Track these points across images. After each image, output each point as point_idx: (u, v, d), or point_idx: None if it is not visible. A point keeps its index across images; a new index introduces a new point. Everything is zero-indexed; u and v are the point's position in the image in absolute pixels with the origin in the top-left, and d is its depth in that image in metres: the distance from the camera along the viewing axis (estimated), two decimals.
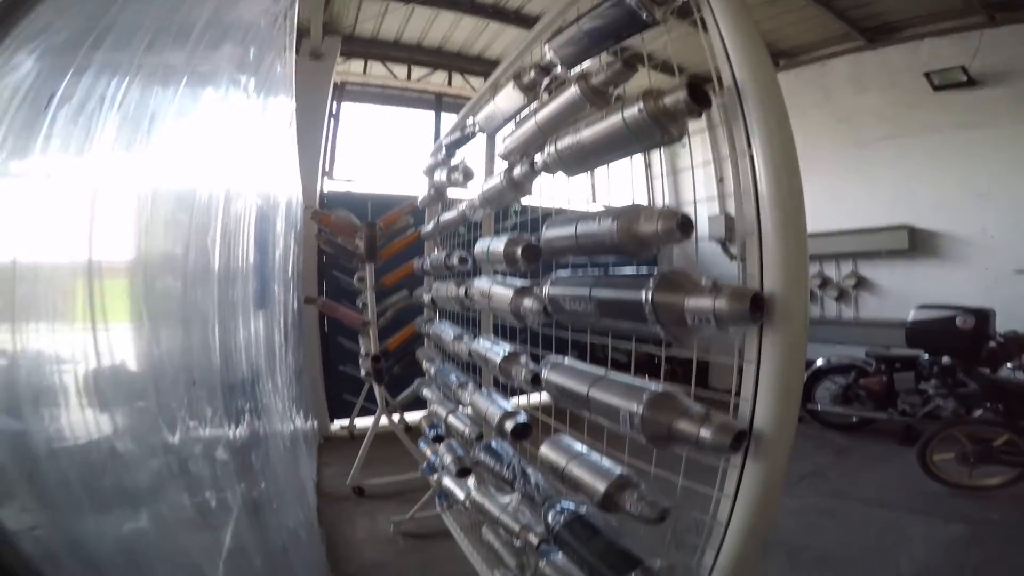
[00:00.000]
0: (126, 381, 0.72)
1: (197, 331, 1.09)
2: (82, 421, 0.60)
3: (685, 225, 0.83)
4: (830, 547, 2.53)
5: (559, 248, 1.07)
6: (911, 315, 3.59)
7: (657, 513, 0.89)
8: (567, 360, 1.10)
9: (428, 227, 2.41)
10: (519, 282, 1.33)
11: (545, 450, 1.10)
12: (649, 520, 0.90)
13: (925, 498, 2.95)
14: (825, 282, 4.73)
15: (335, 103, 4.64)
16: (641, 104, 0.82)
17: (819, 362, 4.13)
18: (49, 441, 0.52)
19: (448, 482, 1.96)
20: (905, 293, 4.09)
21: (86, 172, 0.58)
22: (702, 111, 0.81)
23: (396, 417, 3.47)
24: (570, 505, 1.15)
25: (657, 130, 0.84)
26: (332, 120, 4.58)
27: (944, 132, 4.03)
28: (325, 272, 4.21)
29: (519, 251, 1.26)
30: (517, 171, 1.33)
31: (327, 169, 4.57)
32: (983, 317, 3.31)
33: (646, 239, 0.87)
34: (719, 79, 0.84)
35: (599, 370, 0.97)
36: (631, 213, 0.89)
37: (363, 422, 4.29)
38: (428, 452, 2.33)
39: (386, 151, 5.14)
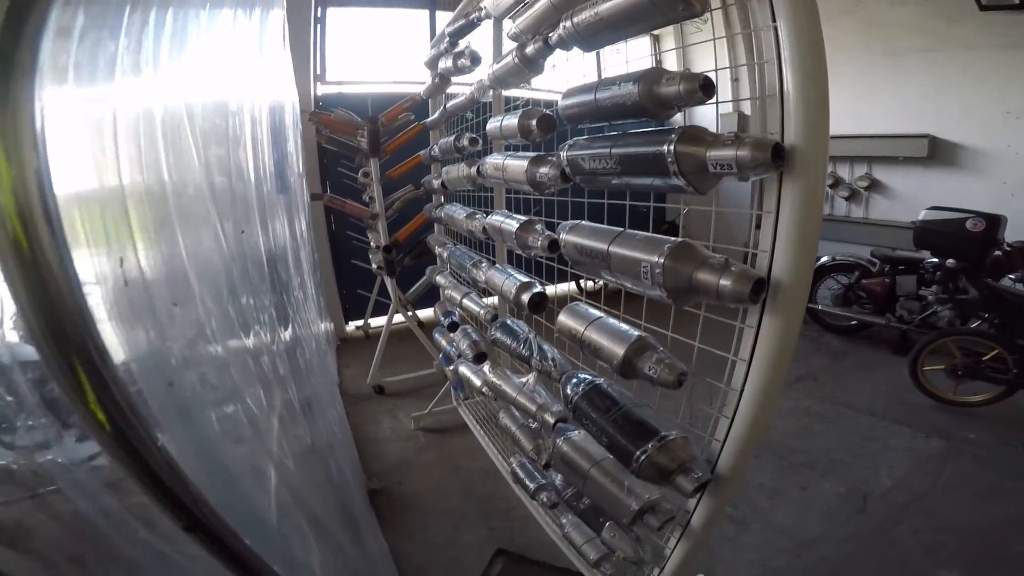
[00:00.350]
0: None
1: (244, 228, 1.13)
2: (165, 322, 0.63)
3: (707, 86, 0.82)
4: (818, 451, 2.68)
5: (577, 115, 1.04)
6: (921, 215, 3.54)
7: (675, 376, 0.93)
8: (585, 222, 1.11)
9: (434, 116, 2.38)
10: (533, 153, 1.31)
11: (563, 317, 1.13)
12: (667, 384, 0.94)
13: (911, 410, 3.06)
14: (837, 182, 4.64)
15: (319, 8, 4.38)
16: None
17: (823, 259, 4.15)
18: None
19: (464, 369, 2.03)
20: (918, 198, 4.03)
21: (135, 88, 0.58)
22: None
23: (410, 312, 3.58)
24: (588, 376, 1.18)
25: (680, 3, 0.81)
26: (318, 25, 4.37)
27: (982, 50, 3.82)
28: (327, 171, 4.20)
29: (534, 122, 1.25)
30: (530, 48, 1.29)
31: (318, 73, 4.43)
32: (994, 222, 3.26)
33: (668, 100, 0.85)
34: None
35: (617, 229, 0.98)
36: (653, 75, 0.87)
37: (377, 322, 4.44)
38: (443, 342, 2.41)
39: (380, 51, 4.90)
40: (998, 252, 3.27)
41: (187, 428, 0.53)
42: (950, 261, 3.41)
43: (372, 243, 3.45)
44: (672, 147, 0.80)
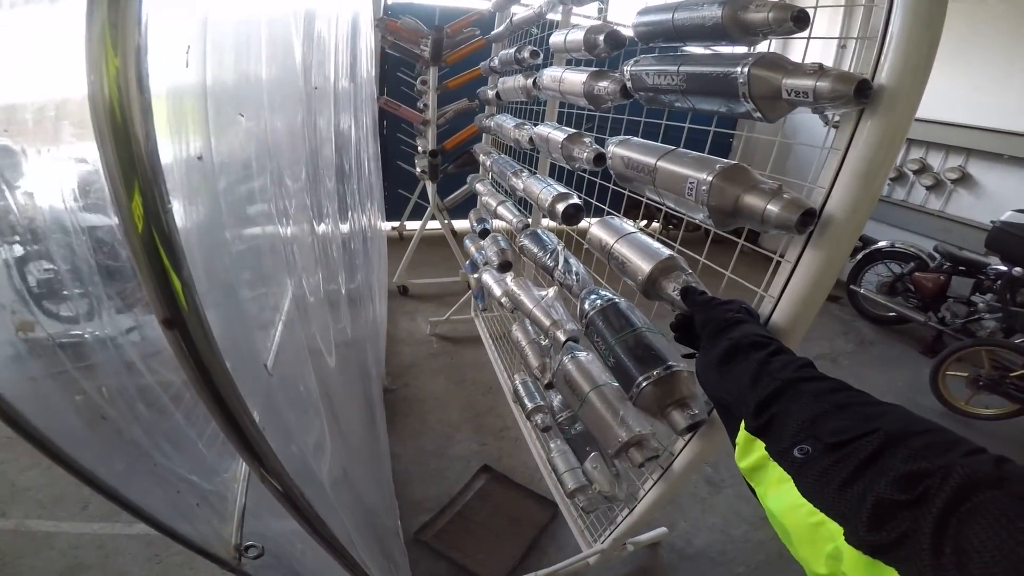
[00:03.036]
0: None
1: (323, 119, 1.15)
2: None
3: (800, 18, 0.75)
4: None
5: (649, 32, 0.97)
6: (1005, 215, 3.29)
7: None
8: (635, 138, 1.07)
9: (499, 29, 2.32)
10: (593, 68, 1.26)
11: (595, 229, 1.12)
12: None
13: (917, 411, 2.92)
14: (924, 168, 4.30)
15: None
16: None
17: (882, 243, 3.95)
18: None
19: (488, 277, 2.06)
20: (1008, 200, 3.69)
21: None
22: None
23: (445, 220, 3.65)
24: (608, 294, 1.17)
25: None
26: None
27: None
28: (387, 75, 4.17)
29: (602, 37, 1.18)
30: None
31: None
32: None
33: (754, 26, 0.79)
34: None
35: (669, 147, 0.94)
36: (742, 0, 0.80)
37: (413, 225, 4.52)
38: (472, 249, 2.44)
39: None
40: None
41: (215, 257, 0.56)
42: (1017, 269, 3.19)
43: (419, 148, 3.47)
44: (747, 69, 0.75)
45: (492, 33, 2.46)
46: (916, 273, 3.72)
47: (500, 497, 1.99)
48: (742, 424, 0.60)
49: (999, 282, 3.32)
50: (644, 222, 4.32)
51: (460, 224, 4.17)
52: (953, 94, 3.96)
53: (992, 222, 3.36)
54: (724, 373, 0.68)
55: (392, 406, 2.47)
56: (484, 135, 2.64)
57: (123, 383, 0.49)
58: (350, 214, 1.78)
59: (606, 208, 1.41)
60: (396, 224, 4.70)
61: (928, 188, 4.34)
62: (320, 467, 0.83)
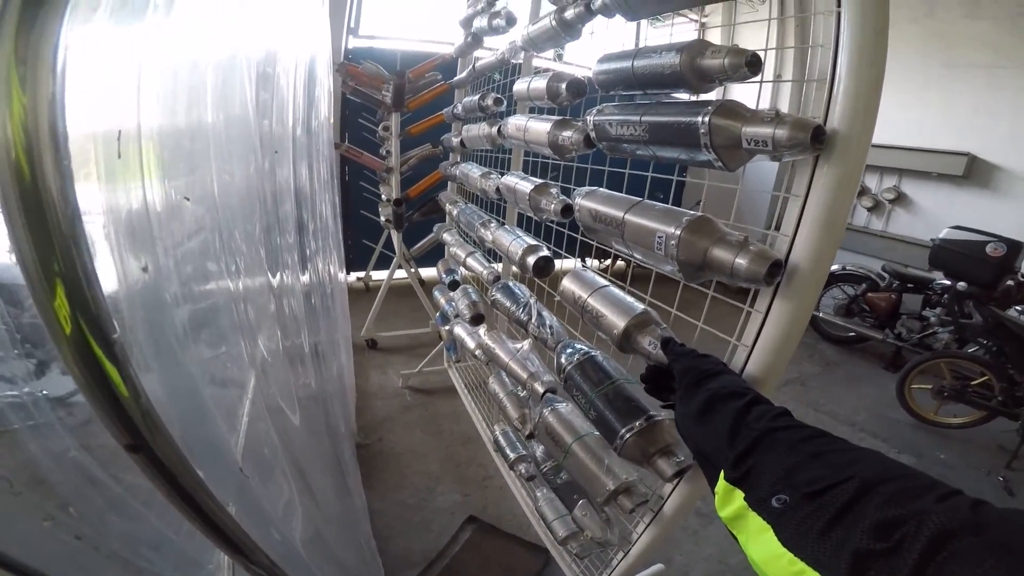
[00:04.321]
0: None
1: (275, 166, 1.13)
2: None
3: (754, 63, 0.77)
4: None
5: (610, 80, 1.00)
6: (943, 233, 3.50)
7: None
8: (602, 189, 1.07)
9: (462, 75, 2.34)
10: (557, 117, 1.27)
11: (567, 282, 1.11)
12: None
13: (890, 425, 3.12)
14: (862, 191, 4.58)
15: None
16: None
17: (834, 267, 4.12)
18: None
19: (460, 330, 2.02)
20: (943, 217, 3.98)
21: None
22: None
23: (412, 268, 3.60)
24: (584, 347, 1.17)
25: None
26: None
27: None
28: (348, 122, 4.18)
29: (564, 85, 1.20)
30: (570, 12, 1.24)
31: (352, 26, 4.40)
32: (1015, 249, 3.22)
33: (711, 72, 0.81)
34: None
35: (636, 198, 0.95)
36: (698, 45, 0.83)
37: (378, 275, 4.48)
38: (442, 301, 2.40)
39: (415, 9, 4.82)
40: (1011, 281, 3.25)
41: (167, 359, 0.51)
42: (961, 284, 3.38)
43: (383, 196, 3.44)
44: (707, 118, 0.76)
45: (455, 79, 2.48)
46: (869, 293, 3.90)
47: (489, 547, 1.92)
48: (721, 474, 0.61)
49: (945, 296, 3.50)
50: (609, 261, 4.40)
51: (427, 272, 4.14)
52: (881, 115, 4.25)
53: (932, 240, 3.57)
54: (703, 424, 0.69)
55: (367, 461, 2.38)
56: (449, 182, 2.64)
57: (88, 495, 0.44)
58: (309, 266, 1.73)
59: (575, 258, 1.41)
60: (361, 275, 4.62)
61: (869, 209, 4.62)
62: (293, 532, 0.77)
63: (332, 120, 3.35)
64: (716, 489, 0.62)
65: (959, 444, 2.98)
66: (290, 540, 0.71)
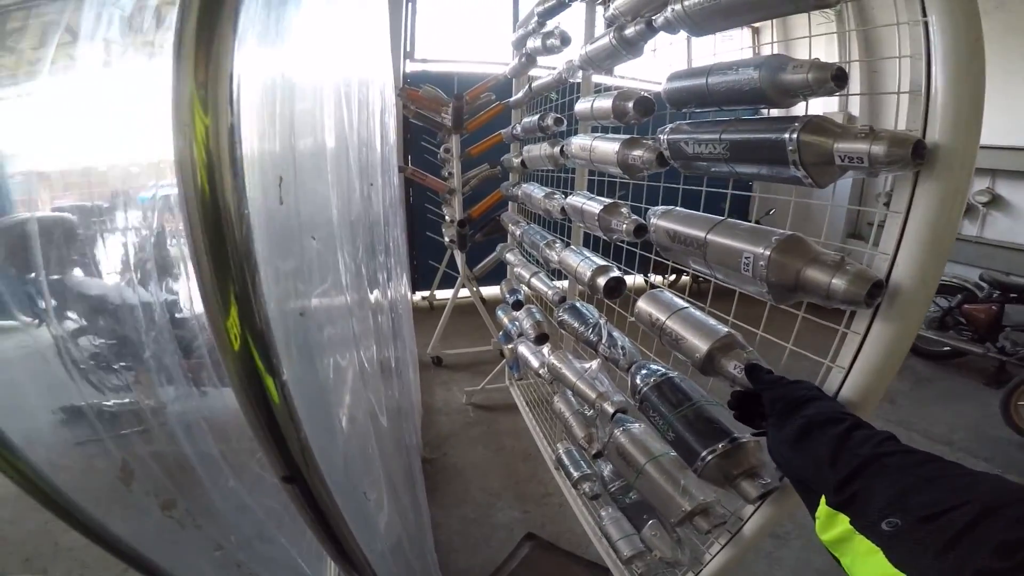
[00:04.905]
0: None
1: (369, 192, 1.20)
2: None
3: (839, 77, 0.75)
4: None
5: (682, 98, 0.99)
6: None
7: None
8: (679, 208, 1.06)
9: (518, 95, 2.38)
10: (625, 135, 1.27)
11: (644, 304, 1.09)
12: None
13: (994, 444, 2.85)
14: None
15: None
16: None
17: None
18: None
19: (524, 349, 2.03)
20: None
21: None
22: None
23: (475, 288, 3.67)
24: (660, 368, 1.14)
25: None
26: (409, 3, 4.50)
27: None
28: (411, 145, 4.36)
29: (631, 104, 1.20)
30: (631, 30, 1.24)
31: (408, 50, 4.59)
32: None
33: (793, 87, 0.79)
34: None
35: (717, 217, 0.92)
36: (778, 61, 0.81)
37: (442, 294, 4.60)
38: (505, 320, 2.42)
39: (467, 30, 4.98)
40: None
41: (307, 366, 0.54)
42: None
43: (447, 217, 3.54)
44: (795, 135, 0.74)
45: (511, 99, 2.53)
46: (965, 305, 3.56)
47: (547, 565, 1.91)
48: (823, 499, 0.59)
49: None
50: (673, 276, 4.29)
51: (488, 291, 4.21)
52: None
53: None
54: (800, 450, 0.67)
55: (432, 476, 2.43)
56: (510, 202, 2.68)
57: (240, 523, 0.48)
58: (391, 285, 1.81)
59: (647, 277, 1.39)
60: (426, 294, 4.76)
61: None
62: (385, 540, 0.80)
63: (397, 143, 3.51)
64: (817, 514, 0.60)
65: None
66: (384, 549, 0.74)
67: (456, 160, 3.28)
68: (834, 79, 0.75)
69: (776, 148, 0.76)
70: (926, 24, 0.70)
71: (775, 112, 0.86)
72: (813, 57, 0.80)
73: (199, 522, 0.44)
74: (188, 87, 0.28)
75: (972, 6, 0.69)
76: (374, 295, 1.18)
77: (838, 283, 0.70)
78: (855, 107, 4.50)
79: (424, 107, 3.28)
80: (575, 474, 1.73)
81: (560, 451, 1.86)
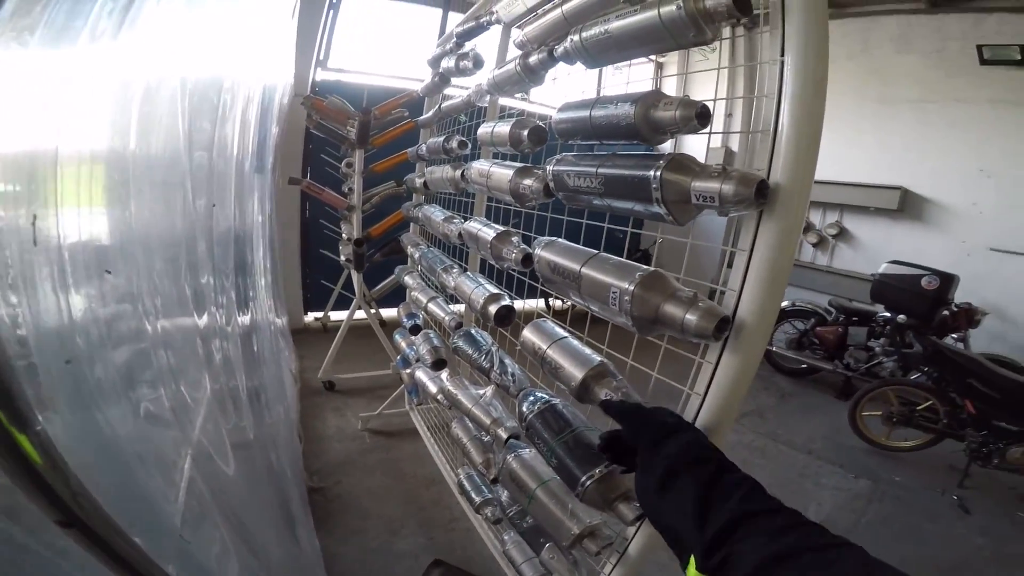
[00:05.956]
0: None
1: (215, 203, 1.08)
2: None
3: (703, 115, 0.81)
4: None
5: (569, 130, 1.03)
6: (881, 268, 3.73)
7: None
8: (560, 240, 1.09)
9: (428, 114, 2.36)
10: (519, 164, 1.30)
11: (528, 333, 1.11)
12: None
13: (845, 451, 3.24)
14: (808, 227, 4.82)
15: None
16: (680, 2, 0.79)
17: (784, 303, 4.30)
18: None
19: (421, 374, 1.99)
20: (882, 251, 4.22)
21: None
22: (741, 17, 0.78)
23: (372, 310, 3.52)
24: (544, 395, 1.17)
25: (692, 30, 0.81)
26: (331, 9, 4.30)
27: (973, 103, 4.01)
28: (310, 157, 4.13)
29: (525, 133, 1.23)
30: (534, 58, 1.28)
31: (321, 58, 4.37)
32: (948, 282, 3.46)
33: (663, 125, 0.85)
34: None
35: (592, 251, 0.96)
36: (651, 97, 0.86)
37: (337, 315, 4.35)
38: (403, 344, 2.35)
39: (387, 45, 4.88)
40: (946, 312, 3.48)
41: (83, 412, 0.48)
42: (901, 316, 3.58)
43: (344, 235, 3.37)
44: (659, 173, 0.79)
45: (421, 118, 2.50)
46: (818, 328, 4.09)
47: None
48: (692, 561, 0.58)
49: (888, 327, 3.70)
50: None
51: (387, 312, 4.07)
52: (823, 152, 4.50)
53: (872, 275, 3.79)
54: (666, 500, 0.65)
55: (324, 506, 2.27)
56: (412, 223, 2.63)
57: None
58: (252, 307, 1.67)
59: (539, 299, 1.41)
60: (319, 315, 4.48)
61: (814, 245, 4.87)
62: None
63: (289, 153, 3.26)
64: (687, 573, 0.59)
65: (912, 466, 3.10)
66: None
67: (358, 176, 3.15)
68: (698, 117, 0.80)
69: (642, 185, 0.81)
70: (782, 63, 0.76)
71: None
72: (683, 95, 0.87)
73: None
74: None
75: (824, 47, 0.75)
76: (206, 320, 1.07)
77: (691, 318, 0.76)
78: (734, 144, 5.00)
79: (328, 118, 3.13)
80: (477, 499, 1.72)
81: (461, 476, 1.83)
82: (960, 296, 3.57)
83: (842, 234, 4.75)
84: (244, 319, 1.51)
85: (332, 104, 3.13)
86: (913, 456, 3.17)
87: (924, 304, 3.48)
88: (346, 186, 3.30)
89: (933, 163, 4.23)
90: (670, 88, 5.44)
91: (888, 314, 3.72)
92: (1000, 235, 3.92)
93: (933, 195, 4.27)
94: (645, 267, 0.84)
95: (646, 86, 0.98)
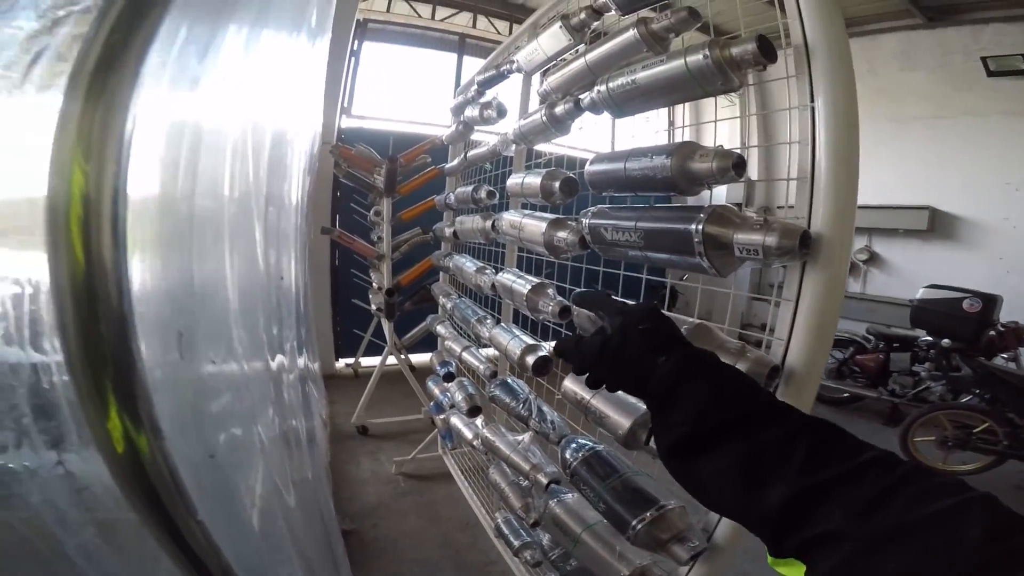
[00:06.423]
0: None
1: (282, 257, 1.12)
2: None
3: (739, 165, 0.83)
4: None
5: (603, 182, 1.06)
6: (920, 293, 3.61)
7: None
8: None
9: (453, 163, 2.40)
10: (552, 215, 1.32)
11: (568, 383, 1.12)
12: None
13: None
14: None
15: (356, 41, 4.57)
16: (707, 51, 0.82)
17: None
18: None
19: (457, 421, 2.00)
20: (916, 273, 4.11)
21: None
22: (767, 63, 0.81)
23: (403, 356, 3.52)
24: (588, 442, 1.17)
25: (719, 78, 0.84)
26: (352, 58, 4.51)
27: (987, 117, 3.95)
28: (338, 205, 4.23)
29: (557, 184, 1.26)
30: (560, 108, 1.32)
31: (345, 106, 4.56)
32: (990, 302, 3.34)
33: (699, 176, 0.86)
34: (787, 35, 0.84)
35: (631, 302, 0.97)
36: (687, 148, 0.88)
37: (368, 361, 4.39)
38: (436, 391, 2.36)
39: (406, 91, 5.09)
40: (992, 332, 3.34)
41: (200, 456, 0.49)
42: (945, 341, 3.44)
43: (374, 283, 3.40)
44: (700, 227, 0.80)
45: (447, 166, 2.53)
46: (857, 356, 3.96)
47: None
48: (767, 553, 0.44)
49: (931, 352, 3.56)
50: None
51: (416, 358, 4.09)
52: None
53: (910, 300, 3.68)
54: (700, 467, 0.48)
55: (360, 548, 2.26)
56: (441, 272, 2.65)
57: None
58: (306, 352, 1.70)
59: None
60: (350, 361, 4.52)
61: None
62: None
63: (319, 202, 3.34)
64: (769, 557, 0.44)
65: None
66: None
67: (387, 224, 3.20)
68: (734, 167, 0.82)
69: (684, 238, 0.82)
70: (813, 109, 0.78)
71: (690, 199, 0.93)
72: (717, 145, 0.89)
73: None
74: (72, 124, 0.25)
75: (852, 91, 0.77)
76: (276, 363, 1.11)
77: (741, 368, 0.75)
78: (756, 189, 4.99)
79: (356, 166, 3.20)
80: (516, 542, 1.70)
81: (499, 520, 1.82)
82: (1005, 315, 3.43)
83: (873, 259, 4.65)
84: (301, 363, 1.55)
85: (360, 152, 3.22)
86: (977, 479, 2.96)
87: (968, 327, 3.34)
88: (375, 234, 3.36)
89: (957, 180, 4.14)
90: (678, 136, 5.51)
91: (931, 339, 3.59)
92: None
93: (963, 212, 4.17)
94: (690, 319, 0.84)
95: (659, 134, 1.00)
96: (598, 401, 1.02)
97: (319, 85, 2.48)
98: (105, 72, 0.27)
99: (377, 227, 3.30)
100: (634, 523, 0.94)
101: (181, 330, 0.46)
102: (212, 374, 0.61)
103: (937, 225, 4.25)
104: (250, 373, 0.82)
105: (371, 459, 3.11)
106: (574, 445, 1.17)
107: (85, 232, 0.26)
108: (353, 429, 3.39)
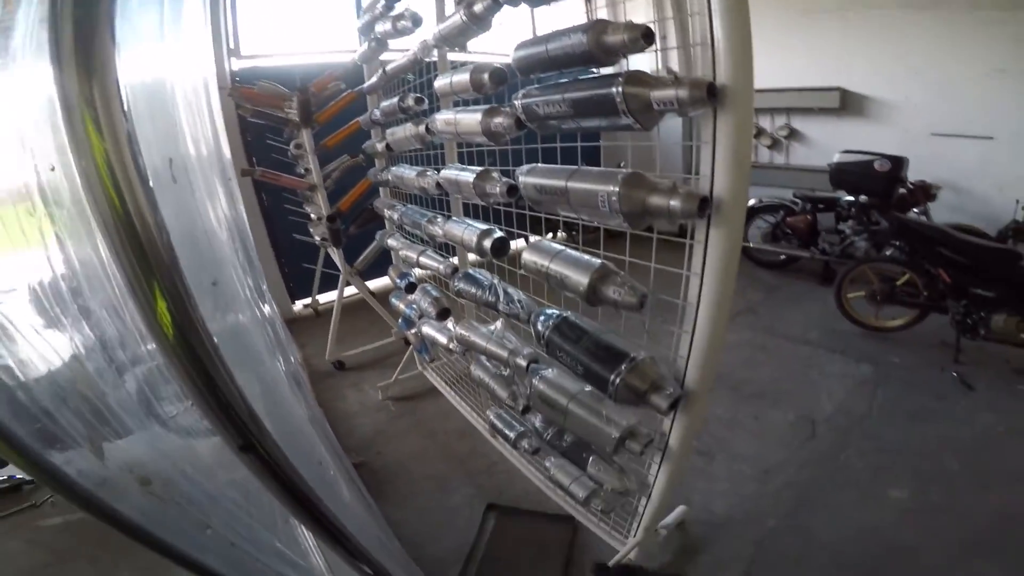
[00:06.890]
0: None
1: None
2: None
3: (648, 36, 0.90)
4: (765, 381, 2.89)
5: (528, 65, 1.10)
6: (835, 158, 3.90)
7: (638, 297, 1.01)
8: (540, 164, 1.17)
9: (372, 80, 2.34)
10: (485, 106, 1.35)
11: (528, 254, 1.20)
12: (631, 306, 1.02)
13: (841, 337, 3.34)
14: (760, 132, 5.02)
15: None
16: None
17: (751, 201, 4.47)
18: None
19: (428, 329, 2.05)
20: (832, 145, 4.39)
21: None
22: None
23: (360, 281, 3.48)
24: (555, 311, 1.26)
25: None
26: None
27: (887, 10, 4.22)
28: (252, 146, 3.94)
29: (487, 76, 1.29)
30: (479, 6, 1.31)
31: (232, 47, 4.13)
32: (898, 163, 3.65)
33: (613, 47, 0.93)
34: None
35: (572, 167, 1.06)
36: (600, 25, 0.94)
37: (326, 297, 4.31)
38: (401, 306, 2.39)
39: (300, 23, 4.66)
40: (903, 189, 3.71)
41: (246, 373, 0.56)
42: (862, 197, 3.78)
43: (312, 215, 3.30)
44: (620, 88, 0.88)
45: (366, 85, 2.46)
46: (787, 219, 4.28)
47: (517, 529, 1.95)
48: None
49: (852, 209, 3.90)
50: (550, 235, 4.55)
51: (375, 283, 4.07)
52: (762, 63, 4.68)
53: (828, 164, 3.96)
54: None
55: (372, 477, 2.34)
56: (381, 188, 2.63)
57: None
58: (264, 299, 1.71)
59: (526, 233, 1.50)
60: (307, 301, 4.39)
61: (769, 147, 5.10)
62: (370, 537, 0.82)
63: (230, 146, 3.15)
64: None
65: (906, 347, 3.19)
66: (369, 541, 0.75)
67: (311, 155, 3.08)
68: (644, 37, 0.90)
69: (607, 101, 0.90)
70: None
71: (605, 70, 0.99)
72: (627, 19, 0.95)
73: (179, 500, 0.46)
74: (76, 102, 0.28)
75: None
76: (263, 311, 1.15)
77: (675, 203, 0.86)
78: (673, 62, 5.07)
79: (263, 104, 3.01)
80: (511, 435, 1.78)
81: (491, 416, 1.90)
82: (913, 177, 3.79)
83: (793, 134, 4.96)
84: (267, 310, 1.57)
85: (263, 89, 3.02)
86: (904, 336, 3.25)
87: (880, 184, 3.66)
88: (301, 167, 3.22)
89: (863, 65, 4.46)
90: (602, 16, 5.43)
91: (851, 198, 3.91)
92: (936, 122, 4.17)
93: (870, 92, 4.51)
94: (624, 170, 0.93)
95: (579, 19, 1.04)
96: (557, 264, 1.12)
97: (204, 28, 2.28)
98: (87, 41, 0.30)
99: (301, 160, 3.16)
100: (612, 378, 1.04)
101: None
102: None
103: (848, 104, 4.62)
104: (251, 320, 0.87)
105: (356, 391, 3.17)
106: (543, 317, 1.26)
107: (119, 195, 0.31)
108: (330, 366, 3.42)
